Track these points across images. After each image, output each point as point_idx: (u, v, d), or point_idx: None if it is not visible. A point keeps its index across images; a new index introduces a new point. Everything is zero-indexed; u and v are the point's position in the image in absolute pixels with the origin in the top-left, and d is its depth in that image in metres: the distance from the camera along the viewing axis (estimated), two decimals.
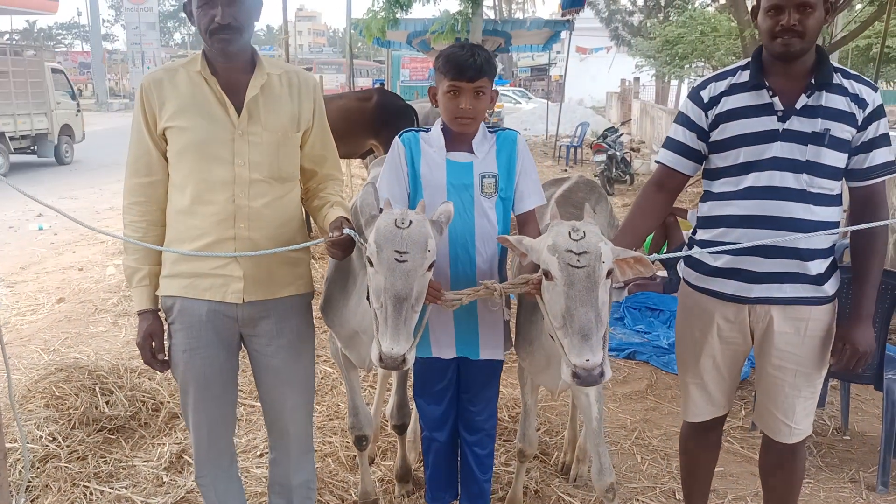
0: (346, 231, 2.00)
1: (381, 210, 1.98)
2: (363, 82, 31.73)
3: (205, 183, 2.12)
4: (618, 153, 11.81)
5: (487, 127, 2.34)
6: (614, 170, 11.69)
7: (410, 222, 1.87)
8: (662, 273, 6.12)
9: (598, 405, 2.51)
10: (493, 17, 31.71)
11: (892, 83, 23.66)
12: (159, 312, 2.24)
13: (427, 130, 2.33)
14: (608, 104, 31.95)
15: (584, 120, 19.51)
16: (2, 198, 9.46)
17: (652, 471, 3.35)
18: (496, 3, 37.79)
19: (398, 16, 14.01)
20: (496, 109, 22.81)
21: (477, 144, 2.29)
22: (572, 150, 15.41)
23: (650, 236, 6.08)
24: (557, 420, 3.75)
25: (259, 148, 2.15)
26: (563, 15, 14.94)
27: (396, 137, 2.34)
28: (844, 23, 12.04)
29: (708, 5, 23.65)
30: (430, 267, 1.91)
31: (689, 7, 22.58)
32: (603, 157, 11.66)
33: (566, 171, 14.37)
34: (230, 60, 2.14)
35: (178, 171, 2.15)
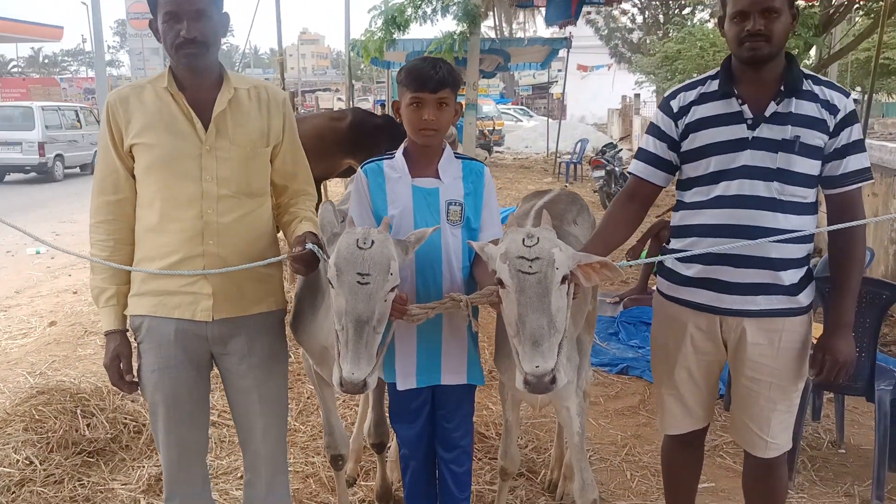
0: (308, 246, 1.98)
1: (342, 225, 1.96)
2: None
3: (173, 199, 2.10)
4: (616, 168, 11.79)
5: (455, 154, 2.33)
6: (613, 185, 11.67)
7: (372, 242, 1.84)
8: None
9: (579, 419, 2.46)
10: (493, 37, 31.91)
11: (893, 95, 23.65)
12: (127, 333, 2.21)
13: (391, 157, 2.32)
14: (609, 121, 32.04)
15: (585, 136, 19.56)
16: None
17: (641, 488, 3.29)
18: (496, 24, 38.02)
19: (395, 36, 14.08)
20: (497, 127, 22.91)
21: (443, 169, 2.28)
22: (572, 166, 15.42)
23: (645, 249, 6.05)
24: (545, 437, 3.69)
25: (227, 163, 2.13)
26: (547, 26, 15.00)
27: (359, 168, 2.33)
28: (842, 34, 12.05)
29: (706, 21, 23.78)
30: (393, 289, 1.88)
31: (688, 23, 22.72)
32: (601, 172, 11.66)
33: (566, 187, 14.34)
34: (197, 76, 2.13)
35: (145, 189, 2.14)
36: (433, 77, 2.15)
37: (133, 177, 2.15)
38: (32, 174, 16.68)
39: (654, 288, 2.45)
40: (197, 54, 2.08)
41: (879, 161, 6.01)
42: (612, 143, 14.98)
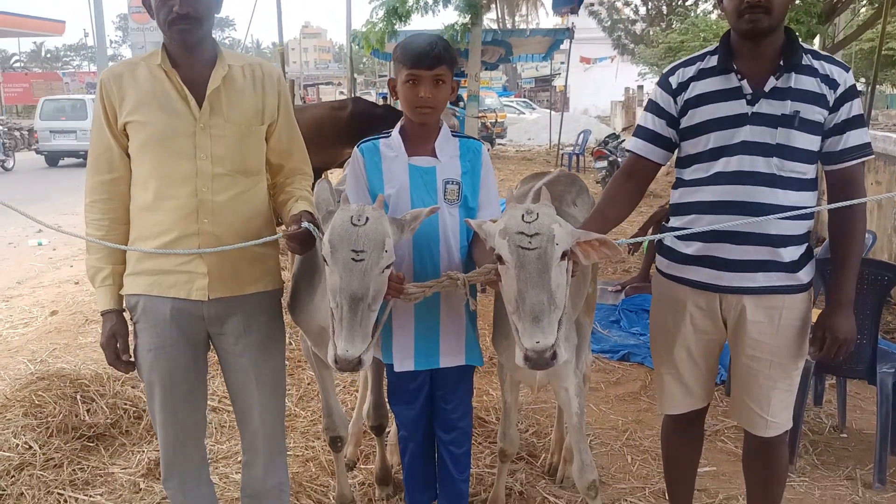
0: (304, 224, 1.96)
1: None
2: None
3: (167, 178, 2.09)
4: (619, 159, 11.75)
5: (452, 132, 2.31)
6: None
7: (367, 219, 1.83)
8: None
9: (578, 400, 2.44)
10: (494, 28, 31.82)
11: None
12: (124, 312, 2.20)
13: (387, 136, 2.29)
14: (612, 113, 31.93)
15: (587, 128, 19.53)
16: (2, 216, 9.50)
17: (642, 471, 3.28)
18: (498, 16, 37.92)
19: (397, 27, 14.03)
20: (500, 119, 22.85)
21: (440, 147, 2.25)
22: (574, 157, 15.39)
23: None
24: (546, 422, 3.68)
25: (221, 141, 2.11)
26: (554, 14, 14.98)
27: (356, 147, 2.31)
28: (846, 24, 11.96)
29: (710, 12, 23.62)
30: (388, 266, 1.86)
31: (692, 14, 22.58)
32: (604, 163, 11.63)
33: None
34: (191, 52, 2.11)
35: (139, 167, 2.12)
36: (430, 53, 2.12)
37: (128, 155, 2.13)
38: (82, 159, 18.02)
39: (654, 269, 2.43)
40: (190, 30, 2.06)
41: (883, 150, 6.01)
42: (614, 133, 14.96)
